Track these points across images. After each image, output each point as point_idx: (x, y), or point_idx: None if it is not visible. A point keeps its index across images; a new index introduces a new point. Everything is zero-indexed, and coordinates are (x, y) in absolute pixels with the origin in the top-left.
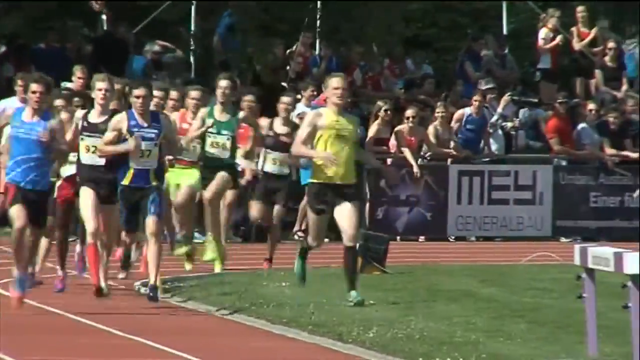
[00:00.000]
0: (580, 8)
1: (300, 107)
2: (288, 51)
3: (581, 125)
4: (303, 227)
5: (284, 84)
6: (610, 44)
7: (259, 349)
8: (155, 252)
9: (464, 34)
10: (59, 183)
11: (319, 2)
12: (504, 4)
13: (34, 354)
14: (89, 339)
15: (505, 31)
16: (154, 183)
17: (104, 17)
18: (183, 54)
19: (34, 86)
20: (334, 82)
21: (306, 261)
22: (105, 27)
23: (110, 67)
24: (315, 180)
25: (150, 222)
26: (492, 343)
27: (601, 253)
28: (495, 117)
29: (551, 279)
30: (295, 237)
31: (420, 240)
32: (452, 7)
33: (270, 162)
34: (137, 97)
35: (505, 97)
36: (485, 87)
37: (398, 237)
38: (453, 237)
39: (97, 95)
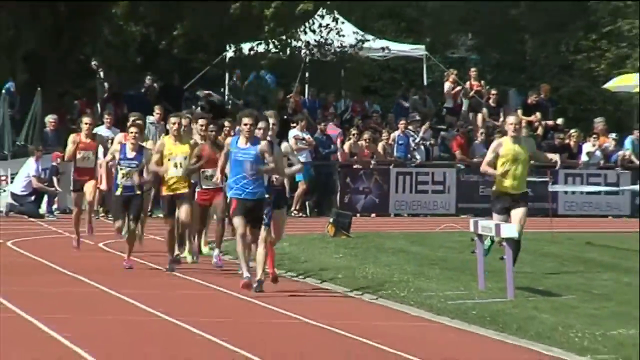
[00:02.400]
0: (473, 68)
1: (295, 131)
2: (288, 96)
3: (475, 143)
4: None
5: (285, 117)
6: (493, 91)
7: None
8: (262, 253)
9: (399, 85)
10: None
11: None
12: (424, 67)
13: None
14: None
15: (425, 83)
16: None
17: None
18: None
19: (245, 120)
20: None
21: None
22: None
23: (171, 105)
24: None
25: (262, 231)
26: (417, 282)
27: (486, 224)
28: (418, 139)
29: (455, 240)
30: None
31: (372, 216)
32: (390, 68)
33: None
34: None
35: (425, 125)
36: (412, 120)
37: (358, 214)
38: (393, 214)
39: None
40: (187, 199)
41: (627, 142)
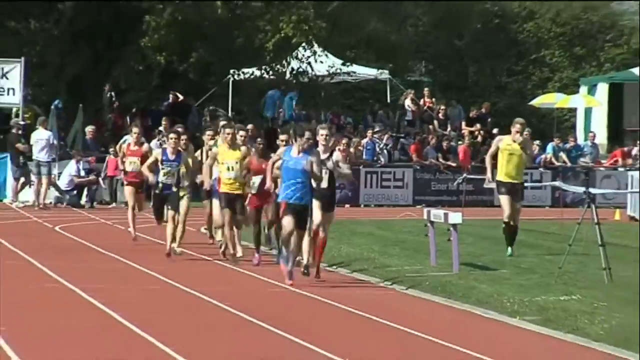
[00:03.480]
0: (426, 88)
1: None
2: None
3: (427, 148)
4: None
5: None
6: (442, 107)
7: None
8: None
9: (367, 102)
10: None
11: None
12: (388, 88)
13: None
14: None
15: (388, 100)
16: None
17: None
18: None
19: (307, 134)
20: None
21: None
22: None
23: (181, 118)
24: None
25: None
26: (382, 259)
27: (437, 213)
28: (382, 145)
29: (412, 226)
30: None
31: (345, 207)
32: (361, 88)
33: None
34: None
35: (388, 134)
36: (378, 129)
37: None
38: (363, 205)
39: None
40: (240, 202)
41: (549, 147)
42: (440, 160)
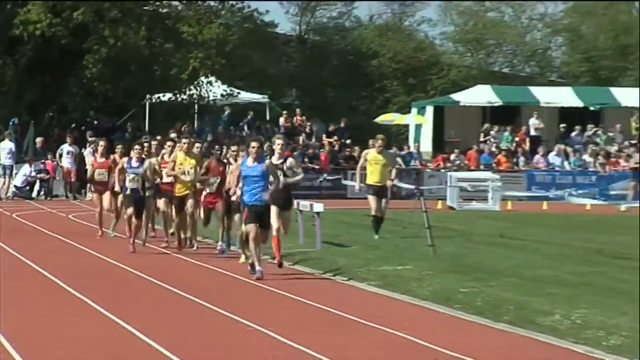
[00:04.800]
0: (297, 109)
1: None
2: (183, 127)
3: (295, 154)
4: None
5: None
6: (308, 123)
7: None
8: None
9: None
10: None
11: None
12: (267, 108)
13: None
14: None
15: (268, 118)
16: None
17: None
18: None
19: (253, 144)
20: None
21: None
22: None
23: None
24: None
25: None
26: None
27: (304, 203)
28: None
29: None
30: None
31: None
32: (247, 108)
33: None
34: (253, 147)
35: (267, 145)
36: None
37: None
38: None
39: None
40: (191, 196)
41: None
42: (307, 163)
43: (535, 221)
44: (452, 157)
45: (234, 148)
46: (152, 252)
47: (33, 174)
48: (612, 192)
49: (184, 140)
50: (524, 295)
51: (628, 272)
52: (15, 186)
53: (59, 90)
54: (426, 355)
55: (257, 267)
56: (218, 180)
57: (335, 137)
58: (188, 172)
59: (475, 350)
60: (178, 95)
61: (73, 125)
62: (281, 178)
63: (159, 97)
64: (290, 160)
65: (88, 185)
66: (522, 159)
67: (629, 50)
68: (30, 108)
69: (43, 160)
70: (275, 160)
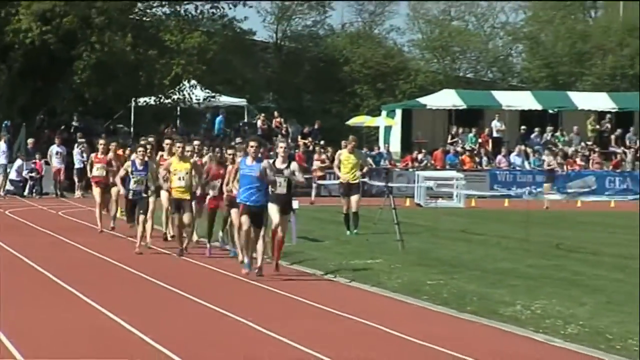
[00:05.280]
0: (275, 112)
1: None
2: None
3: (272, 153)
4: None
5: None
6: (285, 125)
7: None
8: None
9: (231, 121)
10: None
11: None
12: (246, 111)
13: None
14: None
15: (246, 120)
16: None
17: None
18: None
19: (252, 143)
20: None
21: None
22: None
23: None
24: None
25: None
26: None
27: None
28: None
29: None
30: None
31: None
32: (227, 111)
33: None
34: (252, 146)
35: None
36: (239, 141)
37: None
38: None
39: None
40: (188, 205)
41: None
42: None
43: (497, 217)
44: (420, 157)
45: (230, 151)
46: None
47: (26, 171)
48: (570, 190)
49: (177, 144)
50: (487, 287)
51: (584, 265)
52: (10, 180)
53: (49, 95)
54: (396, 344)
55: (246, 261)
56: (219, 183)
57: (310, 139)
58: (183, 177)
59: (441, 339)
60: (162, 99)
61: (62, 127)
62: (278, 178)
63: (145, 101)
64: (294, 164)
65: (77, 183)
66: (485, 159)
67: (585, 57)
68: (22, 111)
69: (34, 160)
70: (279, 164)
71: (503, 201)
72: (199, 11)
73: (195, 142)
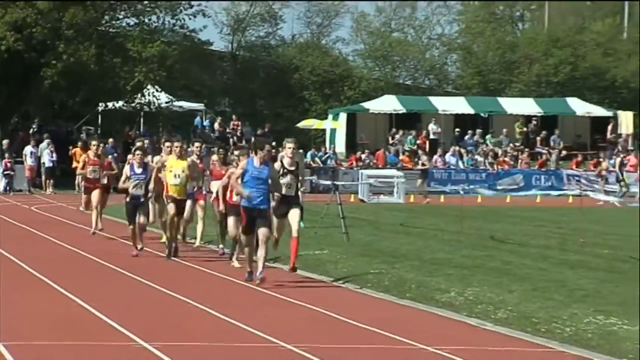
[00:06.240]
0: (233, 116)
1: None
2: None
3: (229, 157)
4: None
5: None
6: (240, 128)
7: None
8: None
9: (191, 124)
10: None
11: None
12: (204, 115)
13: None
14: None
15: (203, 124)
16: None
17: None
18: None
19: (267, 147)
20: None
21: None
22: None
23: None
24: None
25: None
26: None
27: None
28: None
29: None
30: None
31: None
32: (185, 114)
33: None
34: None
35: (204, 145)
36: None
37: None
38: None
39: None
40: (183, 203)
41: (308, 155)
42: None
43: (434, 212)
44: (363, 157)
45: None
46: (110, 240)
47: (1, 170)
48: (500, 187)
49: (175, 144)
50: (425, 276)
51: (513, 255)
52: None
53: (22, 99)
54: (341, 329)
55: (248, 269)
56: (221, 185)
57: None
58: (178, 175)
59: (383, 323)
60: (127, 104)
61: (35, 129)
62: (293, 184)
63: (113, 104)
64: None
65: (46, 181)
66: (424, 157)
67: (513, 66)
68: None
69: (9, 160)
70: (287, 164)
71: (439, 197)
72: (160, 22)
73: (196, 144)
